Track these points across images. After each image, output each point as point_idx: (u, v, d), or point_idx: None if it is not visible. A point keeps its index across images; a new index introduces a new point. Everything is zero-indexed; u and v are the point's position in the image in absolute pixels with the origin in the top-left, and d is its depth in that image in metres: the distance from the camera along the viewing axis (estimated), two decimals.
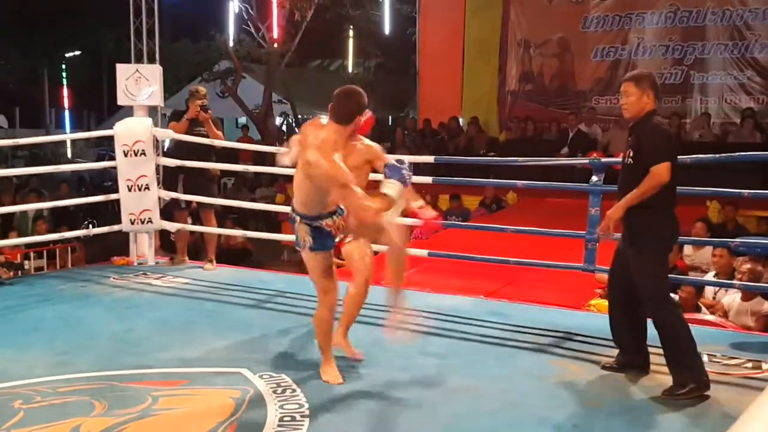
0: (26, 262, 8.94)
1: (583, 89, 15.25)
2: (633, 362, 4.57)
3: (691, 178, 6.73)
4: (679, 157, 5.97)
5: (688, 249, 8.25)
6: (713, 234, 8.13)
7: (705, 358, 4.80)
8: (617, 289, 4.62)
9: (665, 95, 14.37)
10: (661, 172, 4.22)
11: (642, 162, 4.28)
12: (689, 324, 5.78)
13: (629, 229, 4.43)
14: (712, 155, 6.28)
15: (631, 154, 4.36)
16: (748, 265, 6.41)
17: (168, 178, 7.58)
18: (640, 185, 4.25)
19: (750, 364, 4.76)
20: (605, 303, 5.20)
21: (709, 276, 7.11)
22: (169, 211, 7.58)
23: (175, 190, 7.40)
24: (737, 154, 6.18)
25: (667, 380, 4.29)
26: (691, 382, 4.17)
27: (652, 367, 4.58)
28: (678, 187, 6.00)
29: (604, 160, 6.14)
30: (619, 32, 14.80)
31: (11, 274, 6.88)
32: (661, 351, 4.41)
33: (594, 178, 5.86)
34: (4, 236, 9.64)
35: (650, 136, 4.33)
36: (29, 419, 3.79)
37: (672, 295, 4.84)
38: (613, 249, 4.72)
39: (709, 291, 6.96)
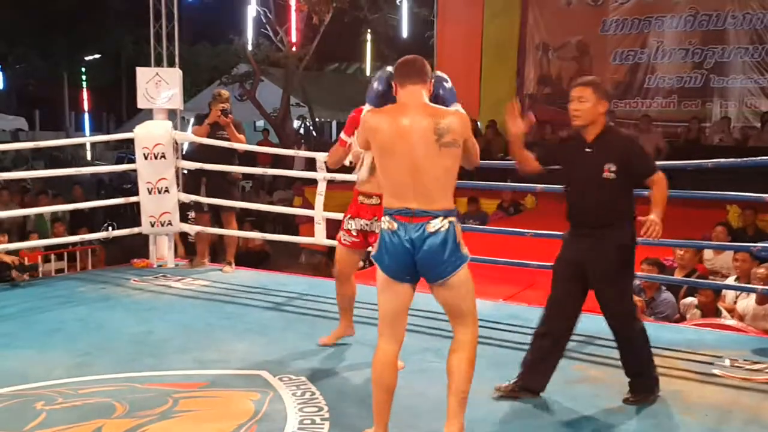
0: (46, 264, 9.03)
1: None
2: (535, 385, 4.25)
3: (711, 182, 6.70)
4: (699, 161, 5.99)
5: (708, 253, 8.19)
6: (733, 238, 8.09)
7: (727, 363, 4.78)
8: (559, 321, 4.24)
9: (685, 99, 14.32)
10: (665, 178, 4.08)
11: (628, 176, 4.05)
12: (709, 327, 5.81)
13: (609, 244, 4.07)
14: (732, 159, 6.24)
15: (613, 169, 4.02)
16: (762, 270, 6.39)
17: (190, 181, 7.61)
18: (660, 196, 4.04)
19: None
20: None
21: (730, 280, 7.08)
22: (187, 212, 7.61)
23: (198, 193, 7.43)
24: (758, 158, 6.14)
25: (691, 386, 4.33)
26: (654, 388, 4.22)
27: (673, 372, 4.58)
28: (698, 191, 6.04)
29: None
30: (638, 35, 14.72)
31: (25, 276, 6.90)
32: (677, 356, 4.48)
33: None
34: (24, 238, 9.73)
35: (636, 149, 4.16)
36: (51, 420, 3.82)
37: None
38: None
39: (730, 295, 6.92)
